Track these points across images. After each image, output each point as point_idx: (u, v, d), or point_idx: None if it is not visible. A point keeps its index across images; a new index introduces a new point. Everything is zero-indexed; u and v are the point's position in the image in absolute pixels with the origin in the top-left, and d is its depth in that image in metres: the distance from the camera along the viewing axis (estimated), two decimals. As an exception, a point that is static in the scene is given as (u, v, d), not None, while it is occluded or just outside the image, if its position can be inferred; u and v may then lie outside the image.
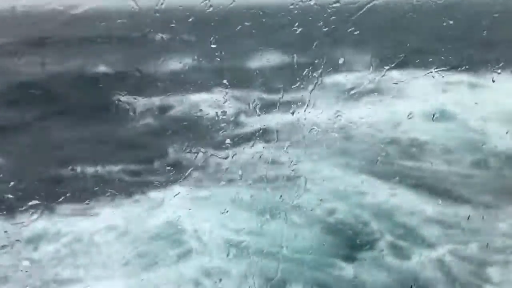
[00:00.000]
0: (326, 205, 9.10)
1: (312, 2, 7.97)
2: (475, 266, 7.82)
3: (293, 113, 6.99)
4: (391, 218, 9.10)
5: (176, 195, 9.66)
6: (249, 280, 7.55)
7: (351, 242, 8.43)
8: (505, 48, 17.27)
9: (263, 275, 7.59)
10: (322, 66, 7.06)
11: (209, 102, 15.49)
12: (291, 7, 8.18)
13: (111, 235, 8.70)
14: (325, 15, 7.84)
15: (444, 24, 10.30)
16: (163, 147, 12.55)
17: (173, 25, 8.61)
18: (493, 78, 8.51)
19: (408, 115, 12.29)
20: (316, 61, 7.18)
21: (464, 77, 15.00)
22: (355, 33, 7.36)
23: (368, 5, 7.02)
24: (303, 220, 8.75)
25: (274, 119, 9.95)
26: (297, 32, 7.59)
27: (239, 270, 7.75)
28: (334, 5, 7.70)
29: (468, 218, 8.96)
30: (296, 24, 7.71)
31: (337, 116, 8.47)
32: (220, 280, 7.70)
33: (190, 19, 8.22)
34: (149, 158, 12.14)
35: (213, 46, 7.62)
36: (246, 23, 8.64)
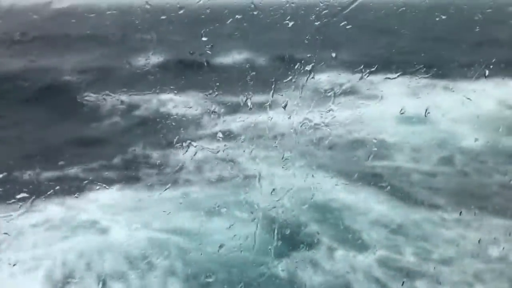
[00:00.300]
0: (273, 204, 8.90)
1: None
2: (399, 275, 7.59)
3: (285, 107, 6.90)
4: (337, 218, 8.92)
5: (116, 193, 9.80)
6: (172, 278, 7.53)
7: (288, 242, 8.10)
8: (496, 48, 17.29)
9: (187, 274, 7.60)
10: (310, 65, 7.02)
11: (177, 102, 15.44)
12: (283, 0, 8.12)
13: (42, 228, 8.74)
14: (317, 8, 7.78)
15: (437, 19, 10.28)
16: (124, 146, 12.44)
17: (163, 17, 8.53)
18: (486, 73, 8.45)
19: (388, 115, 12.27)
20: (302, 59, 7.14)
21: (447, 78, 14.92)
22: (346, 28, 7.32)
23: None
24: (244, 219, 8.63)
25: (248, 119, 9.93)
26: (289, 25, 7.52)
27: (162, 266, 7.76)
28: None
29: (417, 222, 8.83)
30: (288, 17, 7.64)
31: (308, 116, 8.28)
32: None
33: (181, 11, 8.13)
34: (108, 156, 11.98)
35: (204, 39, 7.54)
36: (237, 16, 8.55)
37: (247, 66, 18.37)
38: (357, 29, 8.16)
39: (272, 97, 7.22)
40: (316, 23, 7.59)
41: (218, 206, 9.10)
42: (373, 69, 8.86)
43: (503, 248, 7.81)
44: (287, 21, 7.54)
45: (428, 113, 8.35)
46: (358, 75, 9.11)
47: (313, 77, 6.99)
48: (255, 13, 8.83)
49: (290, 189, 8.25)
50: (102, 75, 17.95)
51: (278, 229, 8.04)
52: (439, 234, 8.49)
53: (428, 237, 8.41)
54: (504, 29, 17.23)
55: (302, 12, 7.98)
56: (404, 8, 10.83)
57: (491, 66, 8.70)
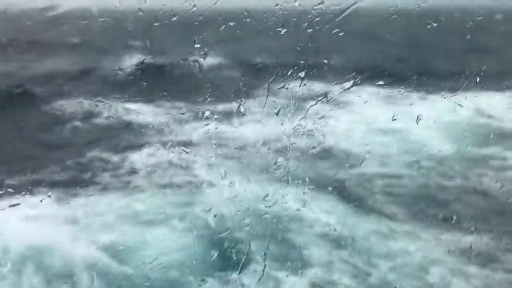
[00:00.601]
0: (216, 215, 8.59)
1: (296, 4, 7.96)
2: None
3: (277, 112, 6.92)
4: (280, 231, 8.17)
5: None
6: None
7: (218, 258, 7.57)
8: (486, 56, 17.38)
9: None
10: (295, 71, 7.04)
11: (168, 107, 15.42)
12: (276, 7, 8.15)
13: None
14: (309, 16, 7.83)
15: (428, 27, 10.33)
16: (79, 151, 12.34)
17: (156, 23, 8.54)
18: (477, 81, 8.50)
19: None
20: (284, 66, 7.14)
21: (438, 85, 14.87)
22: (338, 35, 7.36)
23: (352, 7, 7.03)
24: (181, 232, 8.46)
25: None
26: (281, 32, 7.56)
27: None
28: (319, 6, 7.69)
29: (365, 236, 8.59)
30: (281, 24, 7.67)
31: (301, 123, 8.07)
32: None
33: (174, 18, 8.16)
34: (58, 161, 11.80)
35: (197, 45, 7.57)
36: (230, 23, 8.59)
37: (239, 72, 18.40)
38: (349, 37, 8.20)
39: (265, 103, 7.24)
40: (309, 31, 7.64)
41: (160, 215, 8.99)
42: (364, 77, 8.89)
43: (444, 269, 7.65)
44: (280, 28, 7.57)
45: (420, 119, 8.35)
46: (349, 83, 9.13)
47: (305, 84, 7.02)
48: (248, 20, 8.88)
49: (236, 197, 8.08)
50: (92, 81, 17.96)
51: (211, 243, 7.86)
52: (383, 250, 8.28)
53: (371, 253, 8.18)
54: (494, 37, 17.35)
55: (295, 19, 8.01)
56: (396, 16, 10.89)
57: (482, 73, 8.73)
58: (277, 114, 6.92)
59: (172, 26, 8.81)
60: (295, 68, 7.12)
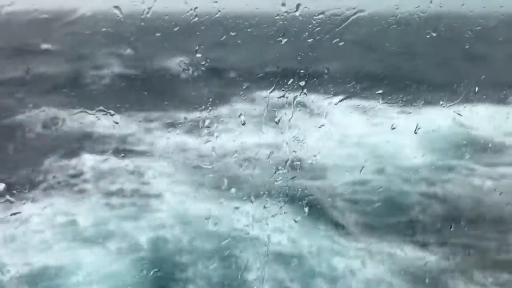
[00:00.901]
0: (158, 233, 8.40)
1: (297, 14, 8.03)
2: None
3: (277, 121, 6.96)
4: (228, 254, 7.81)
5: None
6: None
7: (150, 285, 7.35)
8: (484, 67, 17.44)
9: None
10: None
11: (168, 118, 15.40)
12: (277, 17, 8.23)
13: None
14: (310, 26, 7.90)
15: (428, 36, 10.38)
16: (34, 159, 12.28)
17: (158, 34, 8.61)
18: (475, 89, 8.55)
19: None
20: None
21: (436, 95, 14.81)
22: (337, 45, 7.42)
23: (353, 17, 7.10)
24: (114, 250, 8.23)
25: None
26: (282, 42, 7.61)
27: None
28: (319, 16, 7.76)
29: (314, 253, 8.40)
30: (282, 34, 7.74)
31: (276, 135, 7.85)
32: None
33: (176, 29, 8.23)
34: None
35: (198, 55, 7.63)
36: (231, 33, 8.65)
37: (240, 81, 18.45)
38: (349, 46, 8.26)
39: (265, 112, 7.29)
40: (309, 40, 7.71)
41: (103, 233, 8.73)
42: (363, 86, 8.96)
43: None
44: (280, 38, 7.63)
45: (419, 128, 8.38)
46: (349, 92, 9.19)
47: (305, 93, 7.07)
48: (249, 30, 8.95)
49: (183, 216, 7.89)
50: (92, 92, 18.00)
51: (147, 267, 7.65)
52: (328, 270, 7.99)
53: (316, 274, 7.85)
54: (493, 47, 17.41)
55: (295, 29, 8.07)
56: (395, 26, 10.97)
57: (480, 83, 8.78)
58: (277, 123, 6.97)
59: (174, 37, 8.87)
60: (295, 77, 7.17)
